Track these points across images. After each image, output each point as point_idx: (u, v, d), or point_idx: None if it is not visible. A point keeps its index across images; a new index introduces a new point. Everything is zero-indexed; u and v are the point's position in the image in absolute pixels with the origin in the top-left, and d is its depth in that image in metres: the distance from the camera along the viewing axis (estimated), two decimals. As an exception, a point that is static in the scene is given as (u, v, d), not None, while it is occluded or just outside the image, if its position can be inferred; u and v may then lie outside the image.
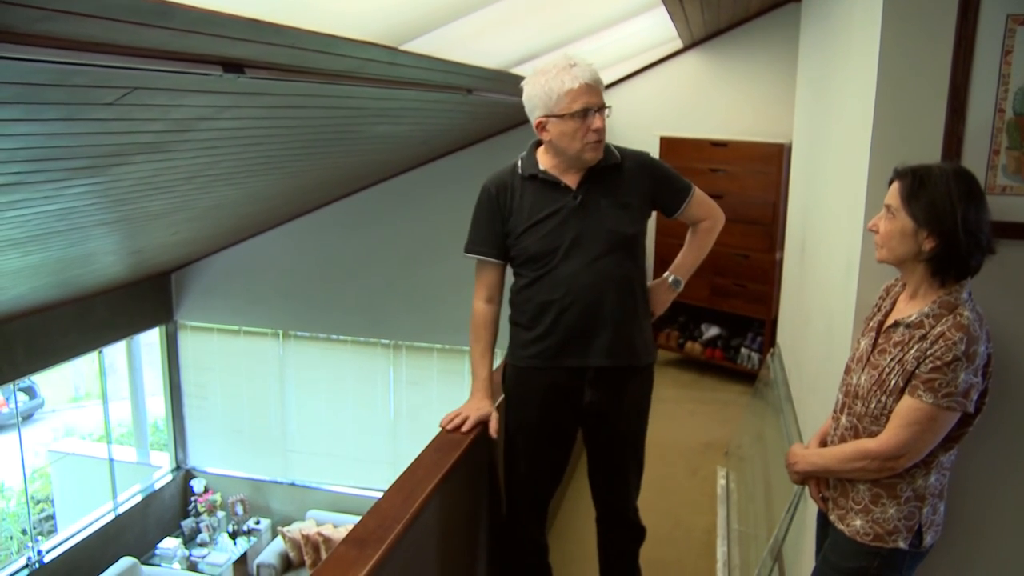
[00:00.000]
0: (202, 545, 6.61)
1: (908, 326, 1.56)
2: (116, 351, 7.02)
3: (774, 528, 2.38)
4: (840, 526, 1.68)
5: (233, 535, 6.75)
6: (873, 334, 1.65)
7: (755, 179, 4.52)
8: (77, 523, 6.26)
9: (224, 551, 6.59)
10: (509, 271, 2.12)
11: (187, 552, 6.51)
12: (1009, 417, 1.75)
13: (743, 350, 4.81)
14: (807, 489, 1.83)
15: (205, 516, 6.77)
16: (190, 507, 6.86)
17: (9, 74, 1.66)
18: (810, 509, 2.03)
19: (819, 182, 2.85)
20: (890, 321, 1.62)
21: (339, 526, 6.43)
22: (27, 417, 10.58)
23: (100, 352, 6.62)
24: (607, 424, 2.11)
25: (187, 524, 6.73)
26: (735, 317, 4.85)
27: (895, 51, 1.75)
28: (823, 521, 1.81)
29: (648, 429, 2.21)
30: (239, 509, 6.86)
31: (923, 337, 1.52)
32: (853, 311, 1.90)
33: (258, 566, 6.42)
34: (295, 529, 6.47)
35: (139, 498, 6.67)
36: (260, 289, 6.67)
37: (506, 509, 2.27)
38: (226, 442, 7.16)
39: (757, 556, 2.57)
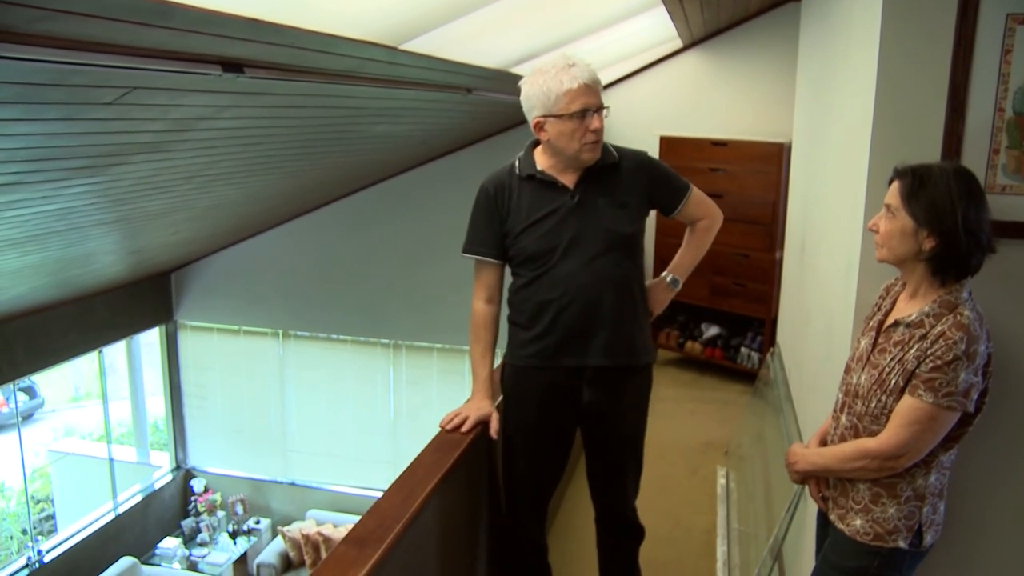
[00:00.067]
0: (202, 545, 6.61)
1: (908, 325, 1.56)
2: (116, 351, 7.02)
3: (774, 528, 2.38)
4: (840, 525, 1.68)
5: (233, 535, 6.74)
6: (873, 333, 1.65)
7: (755, 178, 4.52)
8: (77, 523, 6.26)
9: (224, 551, 6.59)
10: (508, 271, 2.11)
11: (187, 552, 6.51)
12: (1009, 417, 1.75)
13: (743, 349, 4.81)
14: (807, 489, 1.83)
15: (205, 516, 6.77)
16: (190, 507, 6.86)
17: (9, 74, 1.66)
18: (810, 509, 2.03)
19: (819, 181, 2.85)
20: (890, 320, 1.62)
21: (339, 526, 6.43)
22: (27, 417, 10.58)
23: (100, 352, 6.62)
24: (606, 424, 2.11)
25: (187, 524, 6.73)
26: (735, 316, 4.85)
27: (895, 50, 1.75)
28: (823, 520, 1.80)
29: (648, 429, 2.20)
30: (239, 509, 6.86)
31: (923, 336, 1.52)
32: (853, 310, 1.89)
33: (258, 566, 6.42)
34: (295, 529, 6.47)
35: (139, 498, 6.67)
36: (260, 289, 6.66)
37: (506, 509, 2.27)
38: (226, 442, 7.17)
39: (757, 556, 2.56)
